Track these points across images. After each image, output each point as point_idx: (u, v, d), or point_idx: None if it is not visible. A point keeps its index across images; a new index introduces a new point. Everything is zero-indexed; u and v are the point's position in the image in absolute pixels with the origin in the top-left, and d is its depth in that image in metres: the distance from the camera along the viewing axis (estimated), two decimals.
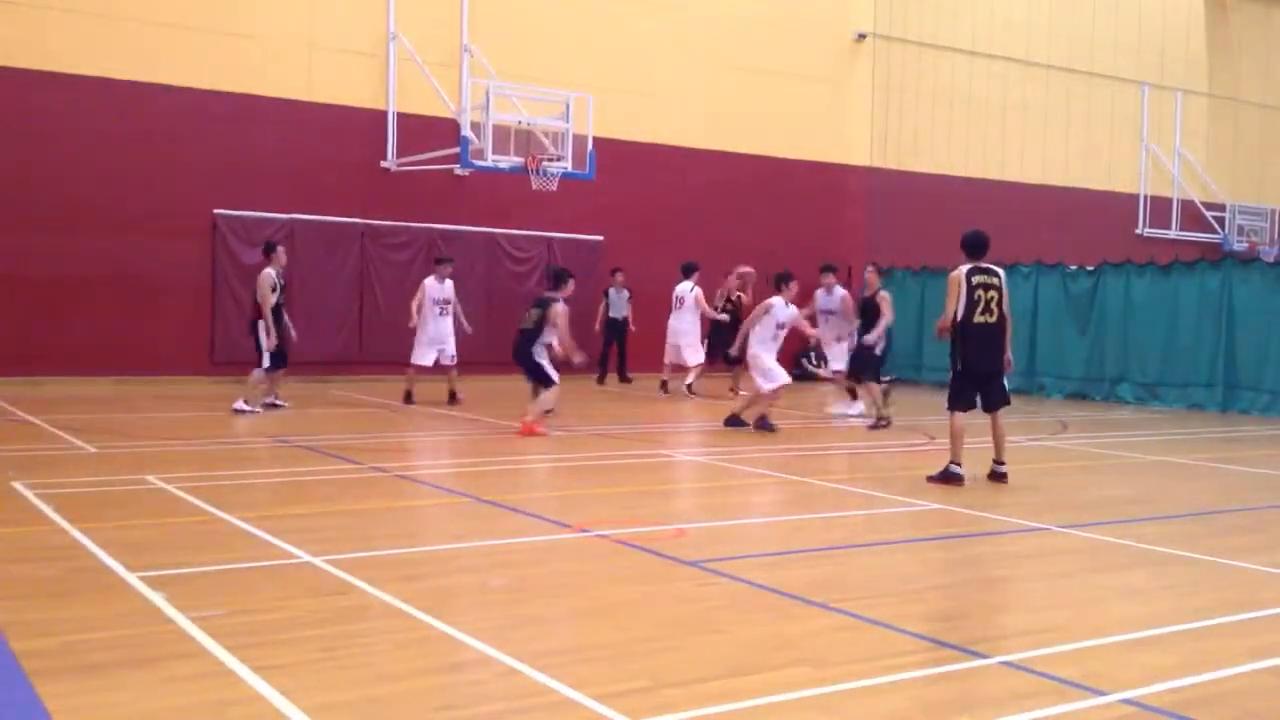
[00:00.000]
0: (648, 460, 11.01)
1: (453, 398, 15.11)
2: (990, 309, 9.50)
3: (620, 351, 19.44)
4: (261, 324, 13.62)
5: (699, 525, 7.62)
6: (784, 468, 10.43)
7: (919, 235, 23.25)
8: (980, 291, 9.47)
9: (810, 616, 5.41)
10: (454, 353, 15.17)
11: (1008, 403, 9.87)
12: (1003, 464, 9.70)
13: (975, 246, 9.72)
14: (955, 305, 9.46)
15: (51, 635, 4.78)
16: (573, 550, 6.79)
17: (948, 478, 9.51)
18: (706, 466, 10.45)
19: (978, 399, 9.68)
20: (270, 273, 13.83)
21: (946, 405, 9.71)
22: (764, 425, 12.94)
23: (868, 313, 14.29)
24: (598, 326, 18.99)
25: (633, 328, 19.24)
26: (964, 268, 9.56)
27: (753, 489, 9.56)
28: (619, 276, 19.33)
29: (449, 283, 15.30)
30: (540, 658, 4.60)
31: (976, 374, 9.61)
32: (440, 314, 15.09)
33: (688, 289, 17.60)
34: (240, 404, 13.42)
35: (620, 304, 19.19)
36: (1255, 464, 11.70)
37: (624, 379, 19.46)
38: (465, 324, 15.45)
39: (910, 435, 13.20)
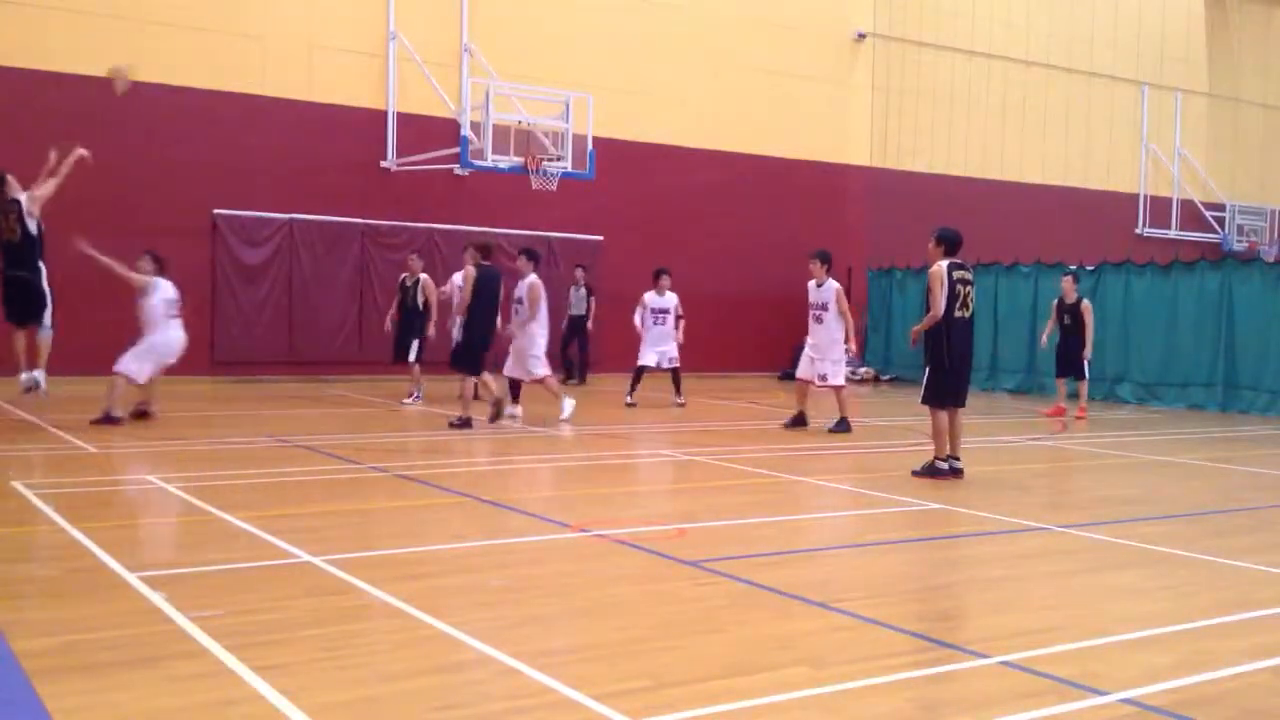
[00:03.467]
0: (648, 460, 11.01)
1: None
2: (967, 304, 9.72)
3: (582, 351, 19.30)
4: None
5: (699, 525, 7.62)
6: (784, 468, 10.43)
7: (919, 235, 23.18)
8: (960, 286, 9.66)
9: (810, 616, 5.41)
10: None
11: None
12: (960, 459, 9.80)
13: (954, 243, 9.88)
14: (942, 301, 9.57)
15: (51, 635, 4.78)
16: (573, 550, 6.79)
17: (933, 472, 9.66)
18: (706, 466, 10.46)
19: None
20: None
21: (923, 401, 9.85)
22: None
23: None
24: (564, 325, 18.77)
25: (589, 325, 19.21)
26: (944, 263, 9.70)
27: (753, 489, 9.55)
28: (579, 274, 19.30)
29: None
30: (540, 658, 4.61)
31: (958, 370, 9.77)
32: None
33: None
34: (40, 377, 11.57)
35: (580, 302, 19.11)
36: (1255, 464, 11.70)
37: (581, 380, 19.18)
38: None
39: (910, 435, 13.20)
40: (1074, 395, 16.18)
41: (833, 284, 13.26)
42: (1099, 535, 7.53)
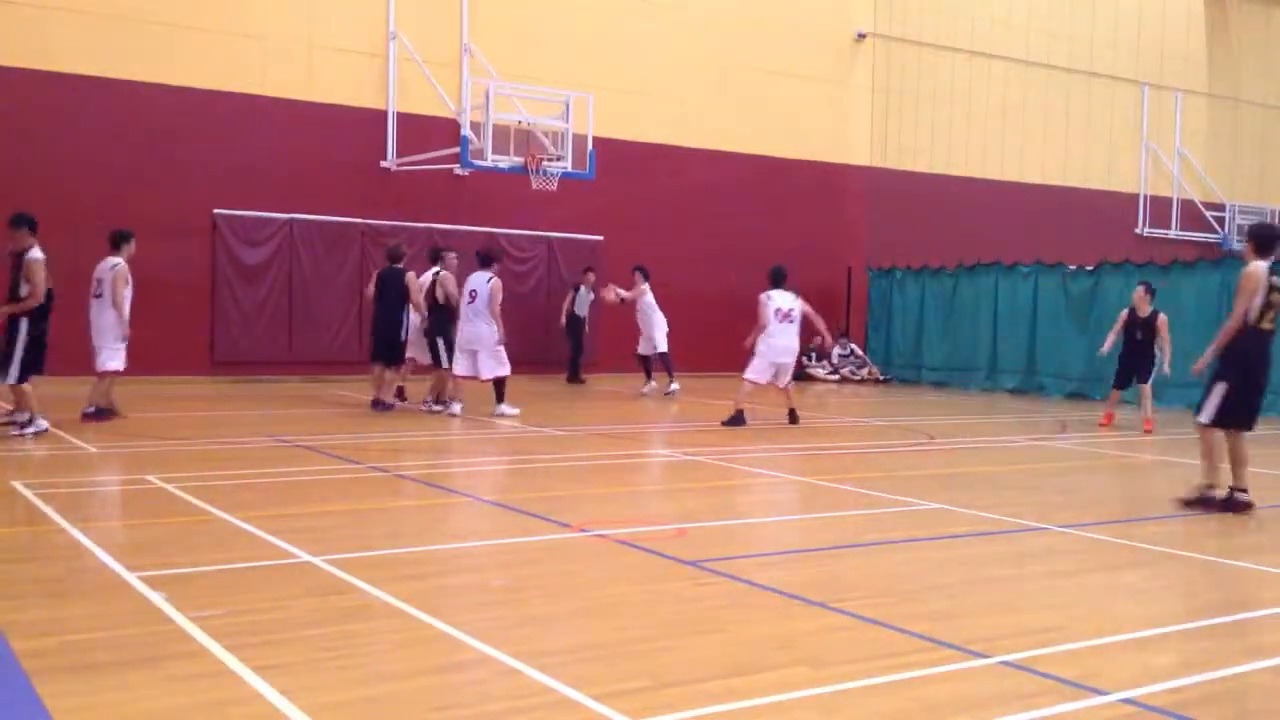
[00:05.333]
0: (648, 460, 11.01)
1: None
2: (1276, 317, 8.47)
3: (576, 349, 19.44)
4: (26, 324, 10.81)
5: (699, 525, 7.62)
6: (784, 468, 10.43)
7: (919, 235, 23.28)
8: (1276, 295, 8.40)
9: (810, 616, 5.41)
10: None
11: None
12: (1246, 490, 8.55)
13: (1269, 239, 8.61)
14: (1249, 307, 8.34)
15: (51, 635, 4.78)
16: (573, 550, 6.79)
17: (1207, 504, 8.45)
18: (706, 466, 10.46)
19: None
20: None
21: (1211, 421, 8.52)
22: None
23: None
24: (563, 320, 19.08)
25: (586, 329, 19.51)
26: (1262, 265, 8.41)
27: (753, 489, 9.56)
28: (591, 276, 19.45)
29: None
30: (540, 658, 4.61)
31: (1258, 387, 8.49)
32: None
33: (484, 280, 13.75)
34: (32, 425, 10.92)
35: (584, 303, 19.28)
36: (1255, 464, 11.66)
37: (579, 380, 19.35)
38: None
39: (911, 435, 13.21)
40: (1113, 401, 15.39)
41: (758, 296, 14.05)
42: (1099, 535, 7.53)
